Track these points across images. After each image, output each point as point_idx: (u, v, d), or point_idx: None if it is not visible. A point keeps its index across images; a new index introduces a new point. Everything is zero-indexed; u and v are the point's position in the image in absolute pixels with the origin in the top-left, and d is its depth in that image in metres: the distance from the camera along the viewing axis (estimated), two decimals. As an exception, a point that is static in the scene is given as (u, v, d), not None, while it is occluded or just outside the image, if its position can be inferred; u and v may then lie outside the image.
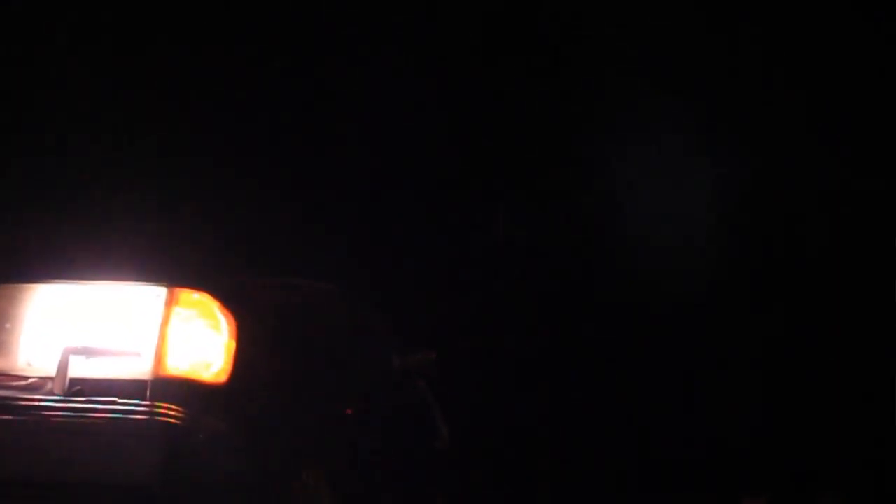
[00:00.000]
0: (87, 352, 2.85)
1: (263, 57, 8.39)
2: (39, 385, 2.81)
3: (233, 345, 2.96)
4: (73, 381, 2.80)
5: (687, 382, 8.79)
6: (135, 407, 2.77)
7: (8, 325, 2.96)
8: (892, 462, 8.06)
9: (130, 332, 2.88)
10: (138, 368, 2.82)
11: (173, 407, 2.78)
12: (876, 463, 8.26)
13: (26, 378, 2.88)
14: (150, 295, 2.91)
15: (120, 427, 2.75)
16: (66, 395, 2.78)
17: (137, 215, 7.62)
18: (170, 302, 2.88)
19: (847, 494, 8.43)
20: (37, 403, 2.80)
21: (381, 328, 4.96)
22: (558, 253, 8.73)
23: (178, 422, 2.77)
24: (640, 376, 8.70)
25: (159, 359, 2.82)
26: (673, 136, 8.92)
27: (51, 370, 2.81)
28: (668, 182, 9.08)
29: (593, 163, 8.91)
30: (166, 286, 2.92)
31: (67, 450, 2.74)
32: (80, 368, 2.81)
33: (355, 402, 3.97)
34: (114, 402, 2.78)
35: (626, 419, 8.79)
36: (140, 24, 8.01)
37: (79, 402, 2.78)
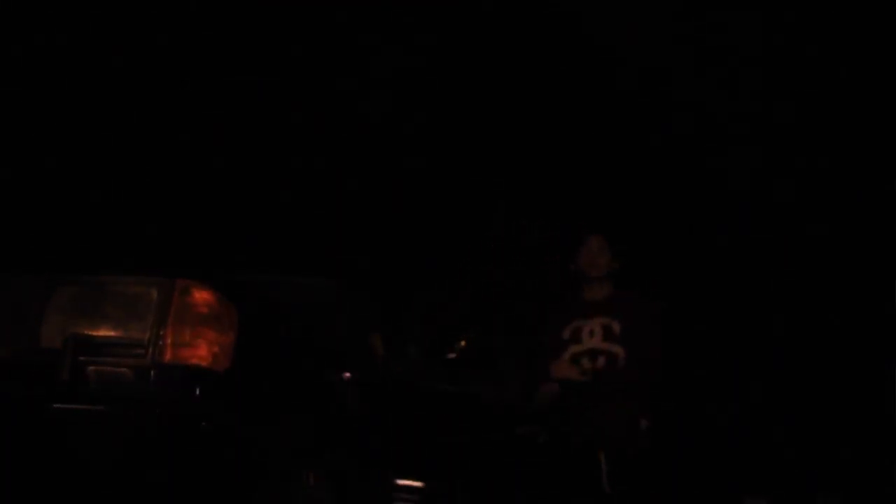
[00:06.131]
0: (91, 341, 2.87)
1: (263, 50, 8.41)
2: (43, 374, 2.83)
3: (234, 338, 2.98)
4: (77, 371, 2.82)
5: (687, 382, 8.80)
6: (137, 395, 2.80)
7: (12, 316, 2.98)
8: (892, 462, 8.07)
9: (134, 322, 2.90)
10: (141, 358, 2.85)
11: (174, 395, 2.81)
12: (876, 463, 8.27)
13: (30, 367, 2.90)
14: (153, 287, 2.94)
15: (123, 415, 2.78)
16: (69, 384, 2.80)
17: (142, 210, 7.65)
18: (172, 294, 2.91)
19: (847, 494, 8.44)
20: (40, 392, 2.82)
21: (380, 324, 4.97)
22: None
23: (179, 410, 2.80)
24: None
25: (161, 349, 2.85)
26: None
27: (55, 360, 2.83)
28: (668, 183, 9.09)
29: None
30: (169, 278, 2.95)
31: (71, 438, 2.76)
32: (84, 358, 2.84)
33: (355, 398, 3.97)
34: (116, 391, 2.81)
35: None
36: (141, 18, 8.03)
37: (82, 391, 2.81)
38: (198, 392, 2.84)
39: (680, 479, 8.42)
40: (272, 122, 8.51)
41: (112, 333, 2.90)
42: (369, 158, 8.59)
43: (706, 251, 9.04)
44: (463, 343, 4.84)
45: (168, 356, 2.85)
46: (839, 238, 8.85)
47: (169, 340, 2.86)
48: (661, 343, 4.45)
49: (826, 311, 8.94)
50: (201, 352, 2.89)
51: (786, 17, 8.59)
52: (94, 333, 2.90)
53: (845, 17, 8.47)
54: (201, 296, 2.95)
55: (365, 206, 8.48)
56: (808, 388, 8.95)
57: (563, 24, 8.83)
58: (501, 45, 8.86)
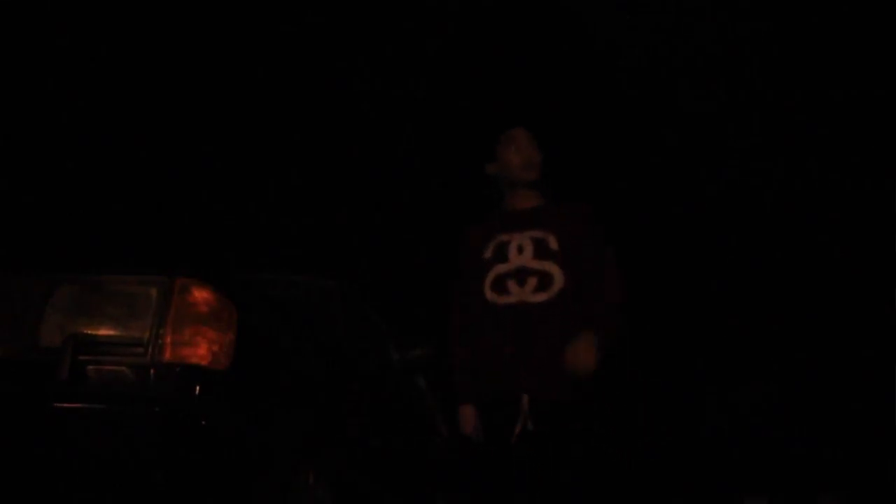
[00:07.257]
0: (91, 341, 2.87)
1: (266, 53, 8.42)
2: (43, 373, 2.83)
3: (233, 337, 2.98)
4: (77, 370, 2.82)
5: (688, 383, 8.80)
6: (137, 394, 2.80)
7: (12, 316, 2.98)
8: (892, 462, 8.07)
9: (133, 321, 2.91)
10: (140, 357, 2.85)
11: (174, 395, 2.81)
12: (876, 463, 8.27)
13: (30, 367, 2.90)
14: (153, 286, 2.93)
15: (123, 414, 2.78)
16: (69, 383, 2.80)
17: (142, 209, 7.66)
18: (172, 293, 2.91)
19: (847, 494, 8.44)
20: (40, 391, 2.82)
21: (379, 324, 4.99)
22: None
23: (179, 409, 2.80)
24: (641, 376, 8.73)
25: (161, 348, 2.85)
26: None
27: (54, 358, 2.83)
28: (667, 186, 9.09)
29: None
30: (168, 277, 2.95)
31: (71, 438, 2.76)
32: (84, 357, 2.84)
33: (355, 398, 3.98)
34: (116, 389, 2.81)
35: (627, 419, 8.80)
36: (148, 20, 8.05)
37: (82, 390, 2.81)
38: (197, 391, 2.84)
39: (680, 478, 8.42)
40: (273, 122, 8.51)
41: (112, 332, 2.90)
42: (370, 159, 8.59)
43: (706, 252, 9.04)
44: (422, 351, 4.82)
45: (168, 355, 2.85)
46: (839, 238, 8.85)
47: (168, 339, 2.86)
48: (615, 258, 3.51)
49: (826, 311, 8.94)
50: (201, 351, 2.88)
51: (786, 18, 8.59)
52: (94, 333, 2.90)
53: (844, 17, 8.47)
54: (201, 295, 2.95)
55: (365, 207, 8.49)
56: (808, 387, 8.95)
57: (562, 24, 8.84)
58: (501, 45, 8.86)
